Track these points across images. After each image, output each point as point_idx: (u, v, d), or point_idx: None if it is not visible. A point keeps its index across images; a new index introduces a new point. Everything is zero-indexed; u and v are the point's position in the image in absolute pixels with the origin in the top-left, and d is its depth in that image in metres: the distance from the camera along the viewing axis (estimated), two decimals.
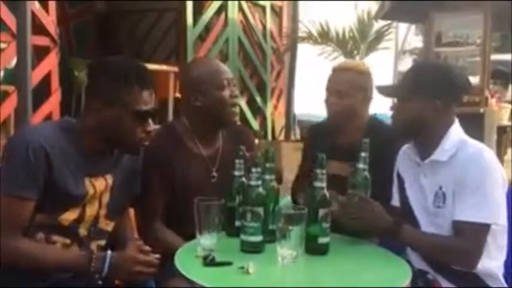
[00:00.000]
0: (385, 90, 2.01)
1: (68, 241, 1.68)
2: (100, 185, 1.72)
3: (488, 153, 1.77)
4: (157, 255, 1.64)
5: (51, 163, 1.58)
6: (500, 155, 5.83)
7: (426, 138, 1.82)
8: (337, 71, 2.28)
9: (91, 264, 1.58)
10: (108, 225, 1.79)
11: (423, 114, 1.79)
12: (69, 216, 1.66)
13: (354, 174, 1.80)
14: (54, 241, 1.65)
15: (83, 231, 1.70)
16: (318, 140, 2.28)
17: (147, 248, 1.64)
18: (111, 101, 1.65)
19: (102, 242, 1.77)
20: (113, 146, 1.73)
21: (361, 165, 1.79)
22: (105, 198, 1.75)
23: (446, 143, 1.78)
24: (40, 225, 1.63)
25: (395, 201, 1.96)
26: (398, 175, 1.95)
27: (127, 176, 1.82)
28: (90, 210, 1.71)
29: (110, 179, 1.75)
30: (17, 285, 1.61)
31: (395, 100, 1.92)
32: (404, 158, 1.94)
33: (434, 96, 1.78)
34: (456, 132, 1.81)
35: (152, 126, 1.72)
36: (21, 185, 1.55)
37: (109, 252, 1.61)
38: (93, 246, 1.73)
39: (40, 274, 1.63)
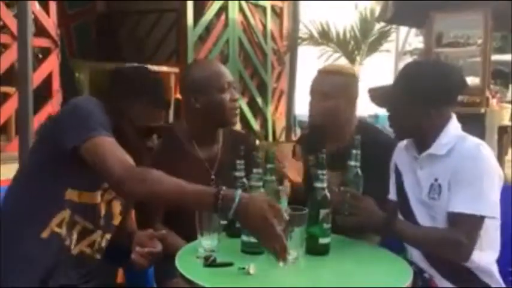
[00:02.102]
0: (376, 98, 1.97)
1: (91, 226, 1.68)
2: None
3: (485, 147, 1.77)
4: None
5: None
6: (501, 155, 5.83)
7: (423, 136, 1.83)
8: (321, 73, 2.23)
9: (218, 201, 1.42)
10: (118, 219, 1.79)
11: (416, 121, 1.80)
12: (90, 199, 1.65)
13: (346, 172, 1.80)
14: (78, 222, 1.64)
15: (100, 220, 1.70)
16: (304, 149, 2.26)
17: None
18: (121, 113, 1.66)
19: (109, 236, 1.76)
20: None
21: (352, 163, 1.78)
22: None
23: (444, 138, 1.79)
24: (68, 202, 1.61)
25: (392, 195, 1.97)
26: (396, 168, 1.96)
27: None
28: (104, 203, 1.70)
29: None
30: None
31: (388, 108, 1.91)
32: (402, 151, 1.95)
33: (427, 104, 1.77)
34: (454, 127, 1.82)
35: (155, 141, 1.72)
36: (104, 128, 1.54)
37: (239, 191, 1.45)
38: (104, 238, 1.73)
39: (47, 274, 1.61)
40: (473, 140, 1.79)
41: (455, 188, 1.73)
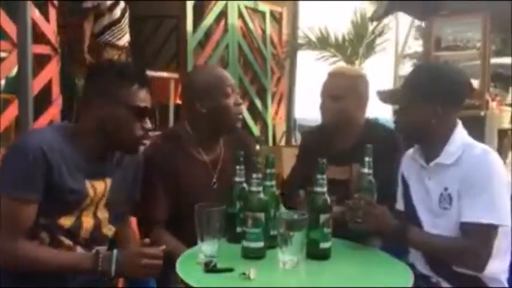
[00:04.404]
0: (384, 97, 2.01)
1: (70, 243, 1.68)
2: (100, 187, 1.73)
3: (493, 154, 1.77)
4: (162, 247, 1.63)
5: (50, 164, 1.59)
6: (501, 158, 5.84)
7: (430, 143, 1.83)
8: (331, 75, 2.28)
9: (98, 264, 1.57)
10: (110, 231, 1.79)
11: (425, 121, 1.79)
12: (67, 221, 1.66)
13: (359, 179, 1.81)
14: (59, 241, 1.66)
15: (84, 234, 1.71)
16: (313, 145, 2.28)
17: (150, 243, 1.64)
18: (110, 99, 1.68)
19: (103, 248, 1.76)
20: (112, 146, 1.73)
21: (365, 170, 1.79)
22: (105, 201, 1.75)
23: (451, 146, 1.79)
24: (43, 228, 1.63)
25: (400, 206, 1.97)
26: (403, 179, 1.95)
27: (127, 181, 1.83)
28: (86, 218, 1.71)
29: (109, 182, 1.76)
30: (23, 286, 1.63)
31: (396, 106, 1.93)
32: (409, 161, 1.95)
33: (434, 103, 1.77)
34: (460, 135, 1.82)
35: (150, 124, 1.74)
36: (21, 187, 1.57)
37: (115, 251, 1.61)
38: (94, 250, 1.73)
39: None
40: (480, 147, 1.78)
41: (466, 197, 1.71)
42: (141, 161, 1.91)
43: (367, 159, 1.78)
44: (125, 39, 4.89)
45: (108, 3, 4.69)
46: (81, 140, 1.69)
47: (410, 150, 1.95)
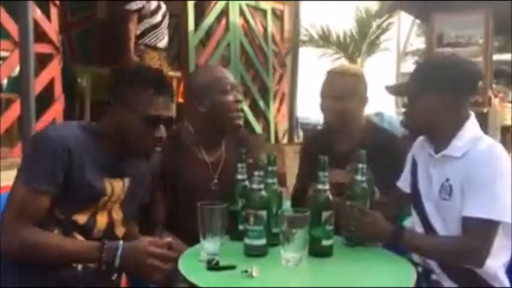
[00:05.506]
0: (393, 90, 2.00)
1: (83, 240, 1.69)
2: (118, 186, 1.74)
3: (500, 149, 1.76)
4: (168, 240, 1.63)
5: (72, 159, 1.61)
6: None
7: (440, 134, 1.82)
8: (330, 75, 2.26)
9: (102, 254, 1.56)
10: (121, 232, 1.80)
11: (435, 112, 1.78)
12: (81, 217, 1.67)
13: (352, 186, 1.80)
14: (71, 237, 1.66)
15: (97, 233, 1.71)
16: (314, 149, 2.27)
17: (163, 241, 1.63)
18: (125, 104, 1.68)
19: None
20: (126, 149, 1.74)
21: (358, 177, 1.78)
22: (120, 200, 1.77)
23: (460, 140, 1.77)
24: (57, 223, 1.64)
25: (405, 187, 1.97)
26: (414, 162, 1.95)
27: (143, 182, 1.84)
28: (101, 217, 1.72)
29: (127, 182, 1.77)
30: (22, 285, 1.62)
31: (406, 99, 1.92)
32: (419, 147, 1.95)
33: (444, 93, 1.76)
34: (472, 128, 1.80)
35: (164, 132, 1.72)
36: (39, 178, 1.58)
37: (121, 242, 1.60)
38: None
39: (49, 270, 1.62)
40: (487, 142, 1.77)
41: (469, 192, 1.71)
42: (158, 164, 1.92)
43: (360, 165, 1.77)
44: (164, 42, 5.00)
45: (153, 6, 4.77)
46: (102, 139, 1.71)
47: (422, 137, 1.94)
